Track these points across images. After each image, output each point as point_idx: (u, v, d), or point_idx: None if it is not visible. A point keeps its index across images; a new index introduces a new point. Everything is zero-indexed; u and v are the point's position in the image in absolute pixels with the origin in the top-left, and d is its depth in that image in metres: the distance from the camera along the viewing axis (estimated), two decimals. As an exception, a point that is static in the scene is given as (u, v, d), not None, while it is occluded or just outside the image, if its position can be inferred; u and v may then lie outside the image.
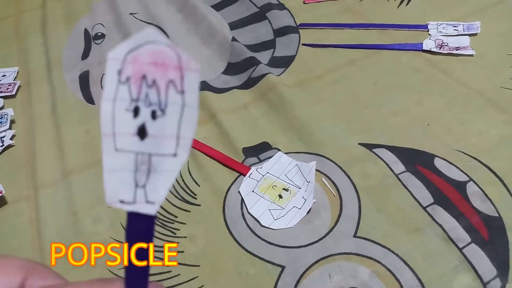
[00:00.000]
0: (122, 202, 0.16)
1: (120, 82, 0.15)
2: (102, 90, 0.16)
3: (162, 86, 0.16)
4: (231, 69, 0.60)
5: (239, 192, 0.46)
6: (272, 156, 0.48)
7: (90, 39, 0.70)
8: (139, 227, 0.17)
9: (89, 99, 0.60)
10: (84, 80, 0.63)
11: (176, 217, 0.45)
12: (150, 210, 0.17)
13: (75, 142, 0.55)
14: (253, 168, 0.47)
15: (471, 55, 0.56)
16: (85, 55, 0.68)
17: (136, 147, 0.16)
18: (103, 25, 0.73)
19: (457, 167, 0.44)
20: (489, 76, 0.53)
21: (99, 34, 0.71)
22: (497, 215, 0.40)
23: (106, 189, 0.17)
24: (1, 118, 0.57)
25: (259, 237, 0.42)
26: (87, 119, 0.58)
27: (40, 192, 0.50)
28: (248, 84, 0.57)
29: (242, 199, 0.45)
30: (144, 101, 0.16)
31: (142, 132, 0.16)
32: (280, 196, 0.44)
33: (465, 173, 0.44)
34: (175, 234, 0.43)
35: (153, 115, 0.16)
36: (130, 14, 0.73)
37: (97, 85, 0.62)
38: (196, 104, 0.16)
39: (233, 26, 0.67)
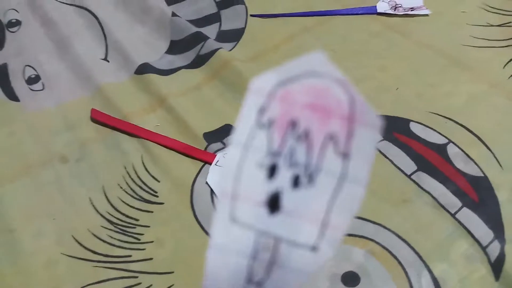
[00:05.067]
0: None
1: (259, 124, 0.11)
2: (233, 131, 0.11)
3: (318, 141, 0.11)
4: (175, 47, 0.54)
5: (207, 183, 0.40)
6: (238, 139, 0.43)
7: (3, 28, 0.60)
8: None
9: (11, 95, 0.51)
10: (2, 74, 0.54)
11: (137, 220, 0.39)
12: None
13: (-2, 147, 0.46)
14: (219, 155, 0.42)
15: (427, 15, 0.54)
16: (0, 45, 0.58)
17: (261, 222, 0.11)
18: (16, 11, 0.63)
19: (434, 130, 0.42)
20: (448, 35, 0.52)
21: (14, 21, 0.61)
22: (483, 175, 0.39)
23: (207, 271, 0.11)
24: None
25: (238, 230, 0.37)
26: (10, 119, 0.49)
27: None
28: (197, 62, 0.52)
29: (212, 191, 0.40)
30: (287, 159, 0.11)
31: (274, 203, 0.11)
32: (254, 182, 0.40)
33: (443, 135, 0.42)
34: (139, 239, 0.37)
35: (296, 182, 0.11)
36: (47, -5, 0.64)
37: (19, 78, 0.53)
38: (365, 180, 0.11)
39: (170, 1, 0.61)
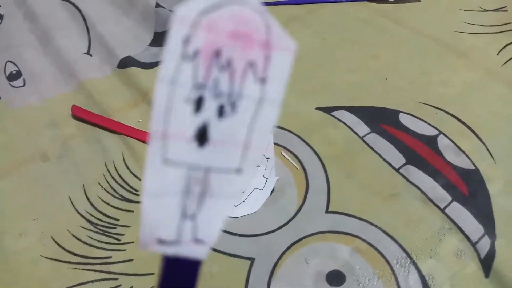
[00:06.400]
0: (160, 242, 0.11)
1: (184, 56, 0.10)
2: (160, 67, 0.10)
3: (239, 69, 0.11)
4: (160, 39, 0.53)
5: (189, 180, 0.39)
6: (222, 133, 0.42)
7: (-15, 22, 0.59)
8: (179, 276, 0.12)
9: (-8, 92, 0.50)
10: (-18, 70, 0.53)
11: (118, 220, 0.38)
12: (198, 252, 0.12)
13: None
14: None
15: (419, 1, 0.52)
16: (-19, 41, 0.57)
17: (191, 157, 0.11)
18: (-1, 5, 0.61)
19: (424, 121, 0.41)
20: (441, 21, 0.50)
21: (-4, 15, 0.60)
22: (474, 168, 0.37)
23: (143, 222, 0.12)
24: None
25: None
26: (-6, 117, 0.48)
27: None
28: (182, 55, 0.50)
29: (194, 188, 0.39)
30: (212, 90, 0.11)
31: (202, 136, 0.11)
32: (237, 178, 0.39)
33: (433, 127, 0.40)
34: (119, 240, 0.36)
35: (220, 112, 0.11)
36: (31, -12, 0.62)
37: (0, 75, 0.52)
38: (279, 100, 0.11)
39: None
